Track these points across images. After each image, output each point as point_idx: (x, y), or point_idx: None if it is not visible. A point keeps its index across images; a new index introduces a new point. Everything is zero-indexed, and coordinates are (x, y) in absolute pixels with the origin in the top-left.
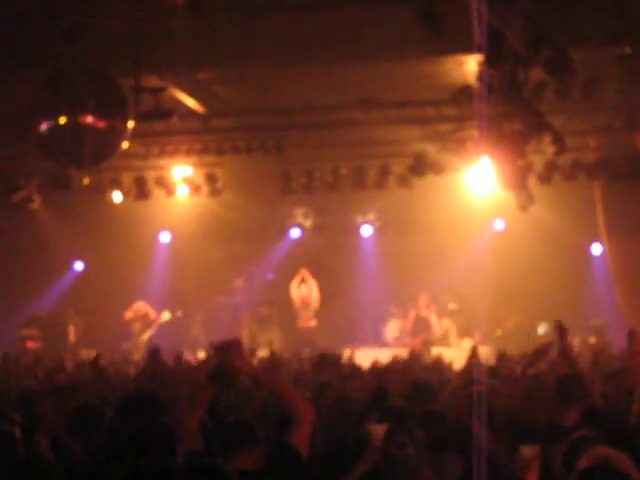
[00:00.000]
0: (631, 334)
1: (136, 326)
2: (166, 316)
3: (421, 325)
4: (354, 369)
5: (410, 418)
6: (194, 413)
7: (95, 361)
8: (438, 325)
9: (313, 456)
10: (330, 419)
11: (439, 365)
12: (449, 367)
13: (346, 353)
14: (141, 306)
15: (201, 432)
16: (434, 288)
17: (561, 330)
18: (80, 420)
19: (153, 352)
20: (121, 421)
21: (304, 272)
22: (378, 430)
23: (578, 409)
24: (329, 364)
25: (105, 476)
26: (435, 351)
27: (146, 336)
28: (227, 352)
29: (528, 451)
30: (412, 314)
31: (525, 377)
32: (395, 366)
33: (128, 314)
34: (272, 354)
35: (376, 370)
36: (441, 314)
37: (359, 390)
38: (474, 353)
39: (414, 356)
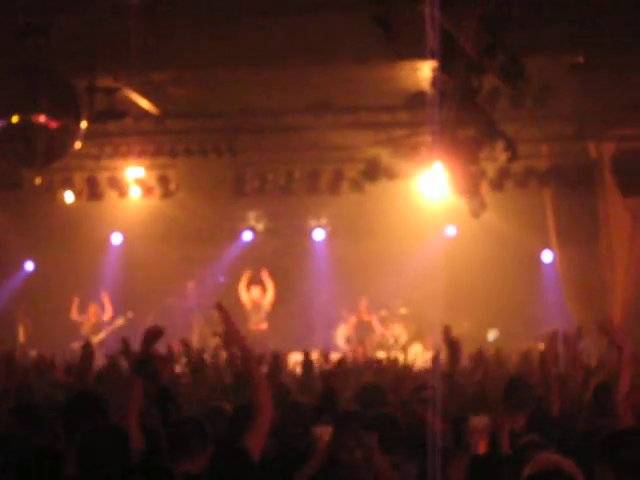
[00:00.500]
0: (566, 339)
1: (86, 327)
2: (121, 321)
3: (364, 329)
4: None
5: (358, 421)
6: (128, 411)
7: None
8: (380, 329)
9: (262, 460)
10: (279, 422)
11: (393, 368)
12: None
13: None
14: (94, 307)
15: (144, 431)
16: (385, 293)
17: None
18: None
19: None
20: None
21: (250, 274)
22: (323, 432)
23: (525, 414)
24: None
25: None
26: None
27: (97, 338)
28: (150, 342)
29: (477, 421)
30: (353, 319)
31: (473, 382)
32: (341, 368)
33: (76, 316)
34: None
35: (323, 373)
36: (392, 319)
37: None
38: (435, 358)
39: (360, 359)
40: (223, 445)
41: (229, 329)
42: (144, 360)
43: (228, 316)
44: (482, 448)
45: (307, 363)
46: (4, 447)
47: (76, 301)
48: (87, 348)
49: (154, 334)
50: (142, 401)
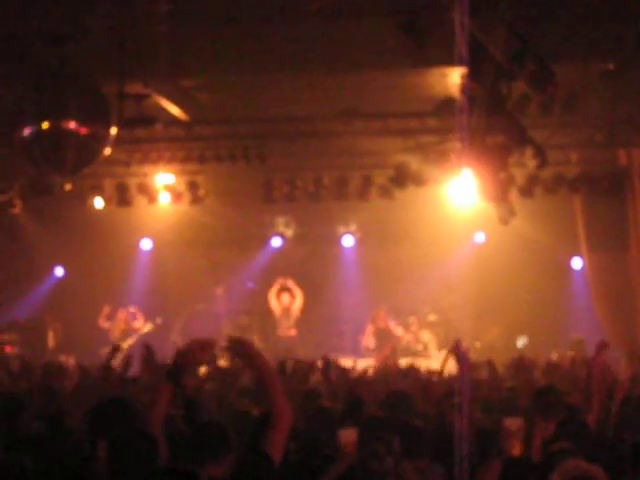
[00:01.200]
0: (600, 346)
1: (115, 333)
2: (149, 326)
3: (383, 337)
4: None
5: (385, 427)
6: (153, 417)
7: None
8: (402, 334)
9: (285, 464)
10: (305, 428)
11: (415, 374)
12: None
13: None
14: (124, 314)
15: (169, 438)
16: (414, 299)
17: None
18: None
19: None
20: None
21: (282, 281)
22: (348, 435)
23: (555, 421)
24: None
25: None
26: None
27: (126, 344)
28: (194, 353)
29: (511, 422)
30: (370, 328)
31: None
32: (367, 375)
33: (104, 323)
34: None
35: (349, 379)
36: (421, 325)
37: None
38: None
39: (383, 366)
40: (245, 450)
41: (247, 352)
42: (178, 368)
43: (244, 344)
44: (516, 450)
45: (328, 369)
46: (29, 450)
47: (105, 309)
48: (114, 351)
49: (203, 346)
50: (168, 408)
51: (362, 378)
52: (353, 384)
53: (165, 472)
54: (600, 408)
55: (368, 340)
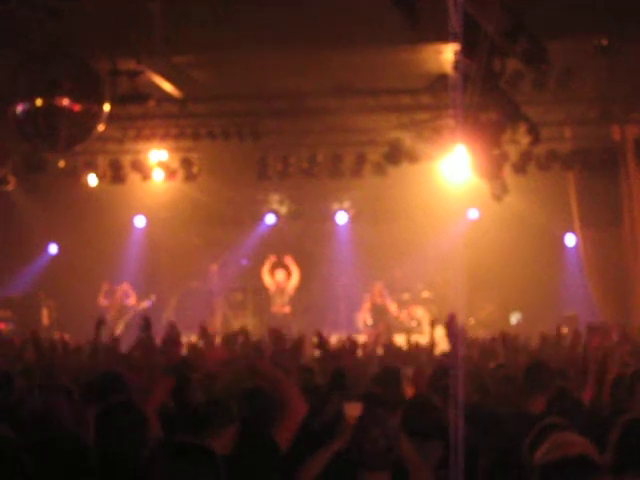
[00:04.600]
0: (592, 328)
1: (112, 311)
2: (145, 304)
3: (379, 313)
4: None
5: (381, 403)
6: (150, 400)
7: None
8: (397, 311)
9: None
10: None
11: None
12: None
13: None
14: (120, 291)
15: (163, 420)
16: (408, 276)
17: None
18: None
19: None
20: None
21: (276, 258)
22: (353, 408)
23: (545, 397)
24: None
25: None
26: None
27: (122, 321)
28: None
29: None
30: (367, 304)
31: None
32: (350, 349)
33: (103, 301)
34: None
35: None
36: (414, 302)
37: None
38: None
39: (375, 343)
40: (250, 429)
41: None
42: (183, 364)
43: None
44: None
45: (321, 345)
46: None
47: (104, 287)
48: (99, 325)
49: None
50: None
51: (343, 350)
52: (336, 357)
53: (172, 444)
54: (595, 387)
55: (365, 316)
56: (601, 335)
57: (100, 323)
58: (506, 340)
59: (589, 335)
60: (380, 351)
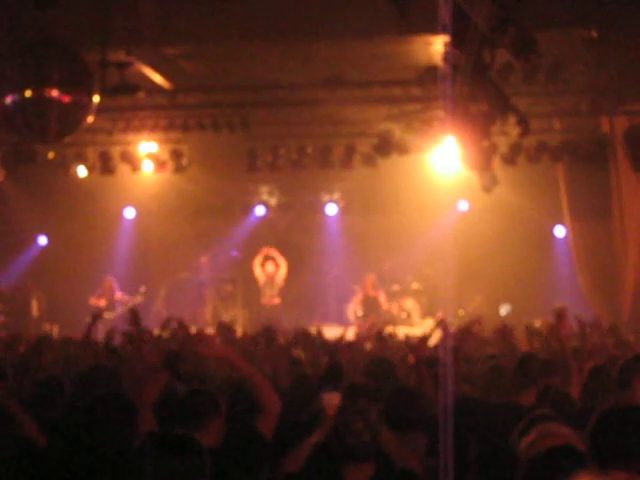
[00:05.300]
0: (558, 313)
1: (102, 303)
2: (138, 299)
3: (370, 305)
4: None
5: (366, 394)
6: (144, 395)
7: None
8: (387, 304)
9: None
10: (290, 392)
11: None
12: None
13: (312, 329)
14: (109, 285)
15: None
16: (397, 267)
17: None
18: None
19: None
20: (79, 394)
21: (267, 250)
22: (331, 398)
23: (536, 389)
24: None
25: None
26: (400, 330)
27: (112, 314)
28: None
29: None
30: (359, 296)
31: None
32: (345, 342)
33: (95, 300)
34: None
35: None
36: (404, 294)
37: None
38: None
39: (366, 335)
40: (237, 420)
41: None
42: (178, 357)
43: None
44: None
45: (307, 337)
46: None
47: (94, 277)
48: (94, 320)
49: (202, 339)
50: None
51: (339, 343)
52: (332, 350)
53: (159, 437)
54: (578, 377)
55: (356, 308)
56: (589, 327)
57: (96, 317)
58: (505, 333)
59: (556, 321)
60: (369, 345)
